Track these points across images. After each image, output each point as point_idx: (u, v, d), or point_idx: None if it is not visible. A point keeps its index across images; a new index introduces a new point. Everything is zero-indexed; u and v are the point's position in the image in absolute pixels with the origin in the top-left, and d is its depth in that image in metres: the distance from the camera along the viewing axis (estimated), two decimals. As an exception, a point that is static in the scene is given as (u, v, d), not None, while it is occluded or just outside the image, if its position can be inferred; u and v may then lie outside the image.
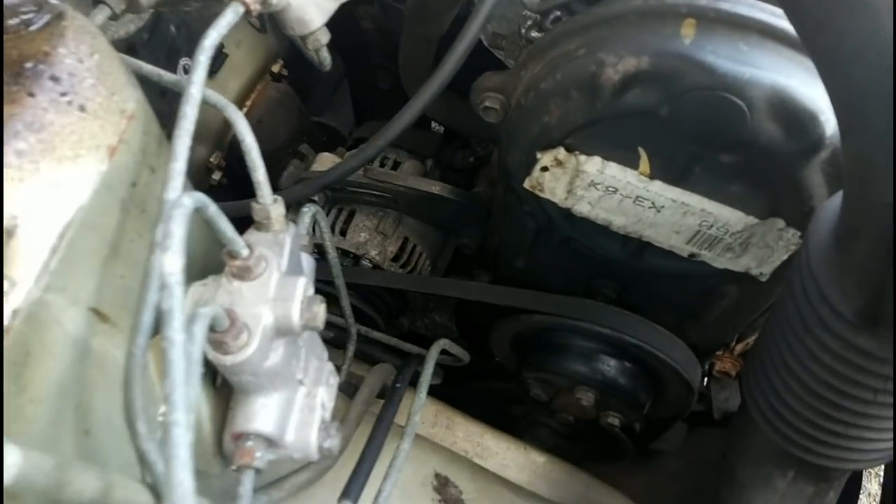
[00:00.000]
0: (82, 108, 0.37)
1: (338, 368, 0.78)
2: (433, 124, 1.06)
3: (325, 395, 0.50)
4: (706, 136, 0.48)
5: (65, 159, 0.35)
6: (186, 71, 0.74)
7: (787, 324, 0.45)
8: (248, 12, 0.46)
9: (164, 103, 0.64)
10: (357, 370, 0.80)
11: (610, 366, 0.74)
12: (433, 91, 0.55)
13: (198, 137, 1.04)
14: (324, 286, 0.74)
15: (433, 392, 0.87)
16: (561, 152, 0.54)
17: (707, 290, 0.65)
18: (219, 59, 0.93)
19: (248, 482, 0.44)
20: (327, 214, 0.90)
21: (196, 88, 0.42)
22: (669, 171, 0.52)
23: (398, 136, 0.58)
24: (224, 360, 0.41)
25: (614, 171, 0.53)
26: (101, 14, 0.52)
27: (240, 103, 1.02)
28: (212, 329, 0.40)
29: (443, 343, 0.72)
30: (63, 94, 0.36)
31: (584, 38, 0.49)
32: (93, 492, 0.33)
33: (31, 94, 0.34)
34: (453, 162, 0.93)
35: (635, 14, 0.47)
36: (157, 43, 0.70)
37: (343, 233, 0.89)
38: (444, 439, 0.82)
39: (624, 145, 0.52)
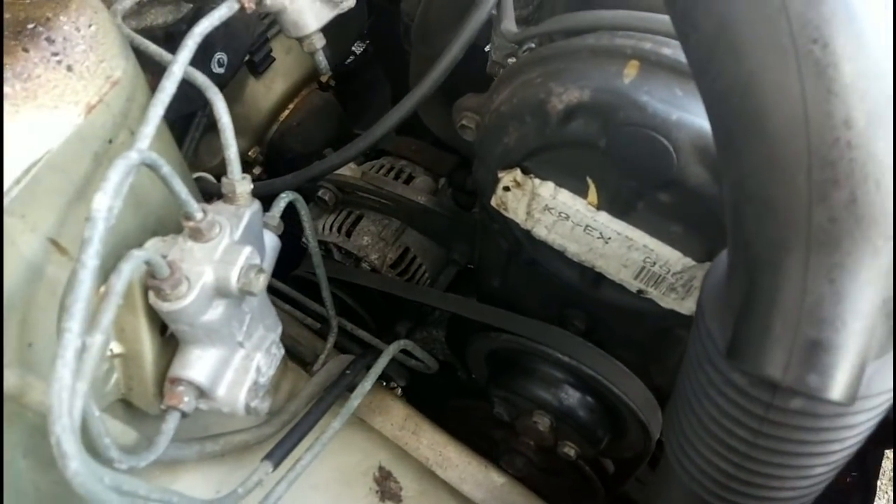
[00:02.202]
0: (69, 68, 0.43)
1: (317, 357, 0.83)
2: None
3: (263, 361, 0.54)
4: (640, 173, 0.50)
5: (44, 108, 0.41)
6: (221, 64, 0.81)
7: (687, 361, 0.46)
8: (242, 9, 0.52)
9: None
10: (336, 362, 0.84)
11: (568, 394, 0.75)
12: (419, 96, 0.59)
13: (239, 131, 1.13)
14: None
15: (411, 399, 0.90)
16: (518, 174, 0.57)
17: (661, 331, 0.66)
18: (266, 61, 1.01)
19: (171, 422, 0.49)
20: (337, 216, 0.96)
21: (178, 67, 0.48)
22: (615, 204, 0.55)
23: (385, 138, 0.63)
24: (161, 306, 0.46)
25: (565, 198, 0.56)
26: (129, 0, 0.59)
27: (283, 105, 1.10)
28: (153, 276, 0.46)
29: (403, 343, 0.75)
30: (55, 54, 0.43)
31: (543, 68, 0.52)
32: (11, 388, 0.38)
33: (26, 50, 0.41)
34: (465, 184, 0.97)
35: (588, 51, 0.50)
36: (195, 36, 0.77)
37: (348, 234, 0.94)
38: (409, 444, 0.85)
39: (574, 174, 0.55)
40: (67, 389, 0.32)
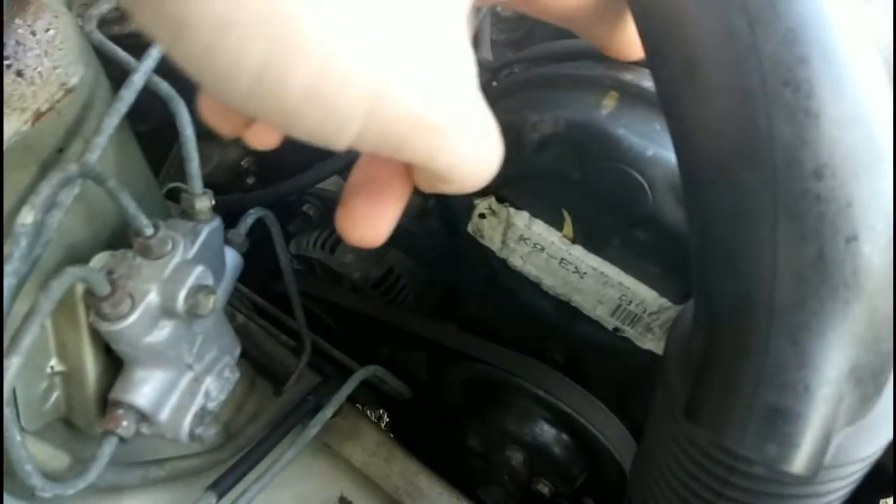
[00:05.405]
0: (19, 73, 0.41)
1: (289, 375, 0.81)
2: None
3: (213, 384, 0.52)
4: (614, 208, 0.48)
5: (-14, 113, 0.40)
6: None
7: (653, 412, 0.44)
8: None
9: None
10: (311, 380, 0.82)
11: (543, 430, 0.73)
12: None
13: (234, 140, 1.12)
14: (304, 299, 0.78)
15: (392, 426, 0.88)
16: (493, 201, 0.55)
17: (639, 371, 0.63)
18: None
19: (107, 447, 0.47)
20: (321, 232, 0.94)
21: (139, 76, 0.46)
22: (591, 238, 0.52)
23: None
24: (101, 325, 0.44)
25: (540, 229, 0.54)
26: (106, 4, 0.57)
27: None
28: (91, 293, 0.43)
29: (372, 369, 0.73)
30: (5, 59, 0.41)
31: (522, 94, 0.50)
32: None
33: (-28, 53, 0.39)
34: (454, 205, 0.94)
35: (567, 79, 0.48)
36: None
37: (332, 251, 0.92)
38: (379, 471, 0.82)
39: (550, 205, 0.52)
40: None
